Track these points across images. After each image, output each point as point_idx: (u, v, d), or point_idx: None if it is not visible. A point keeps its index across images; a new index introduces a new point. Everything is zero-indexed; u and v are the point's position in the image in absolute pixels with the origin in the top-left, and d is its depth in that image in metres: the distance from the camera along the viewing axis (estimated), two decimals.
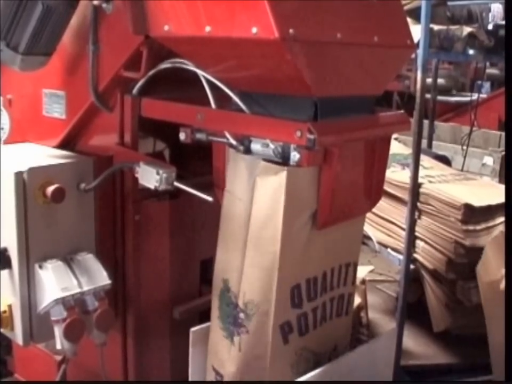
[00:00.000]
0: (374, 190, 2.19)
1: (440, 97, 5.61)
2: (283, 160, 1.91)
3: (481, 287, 2.87)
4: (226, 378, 2.18)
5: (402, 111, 2.28)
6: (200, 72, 2.02)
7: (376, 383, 2.44)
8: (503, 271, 2.26)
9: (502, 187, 3.43)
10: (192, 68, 2.03)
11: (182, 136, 2.09)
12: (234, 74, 1.97)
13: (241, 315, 2.10)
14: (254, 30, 1.73)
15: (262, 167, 1.96)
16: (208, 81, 2.03)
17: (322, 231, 2.08)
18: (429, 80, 5.01)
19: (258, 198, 2.00)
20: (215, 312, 2.21)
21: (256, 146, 1.97)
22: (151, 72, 2.13)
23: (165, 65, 2.12)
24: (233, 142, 2.01)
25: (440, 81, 6.04)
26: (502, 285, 2.20)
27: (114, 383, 2.48)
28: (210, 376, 2.25)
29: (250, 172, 2.00)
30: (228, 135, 2.02)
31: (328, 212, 2.01)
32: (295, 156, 1.86)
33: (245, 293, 2.09)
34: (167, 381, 2.51)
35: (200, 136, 2.08)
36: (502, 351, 2.35)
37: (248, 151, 1.99)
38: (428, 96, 5.03)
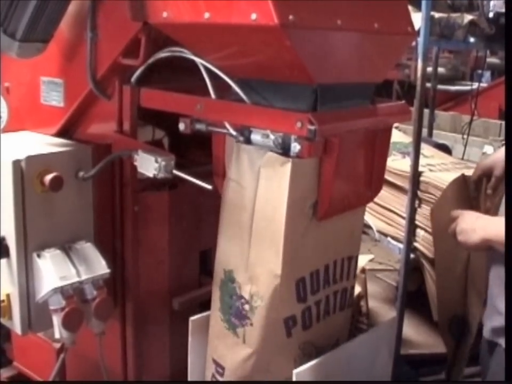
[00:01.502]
0: (375, 181, 2.18)
1: (440, 86, 5.59)
2: (283, 151, 1.90)
3: (432, 227, 2.87)
4: (228, 371, 2.17)
5: (403, 102, 2.26)
6: (199, 60, 2.01)
7: (377, 383, 2.44)
8: (457, 212, 2.33)
9: None
10: (190, 56, 2.01)
11: (181, 126, 2.08)
12: (234, 61, 1.95)
13: (246, 307, 2.09)
14: (254, 16, 1.71)
15: (266, 158, 1.95)
16: (207, 70, 2.01)
17: (323, 223, 2.07)
18: (429, 69, 4.99)
19: (262, 189, 1.99)
20: (216, 304, 2.20)
21: (256, 137, 1.96)
22: (149, 61, 2.12)
23: (163, 54, 2.10)
24: (233, 132, 2.00)
25: (441, 70, 6.03)
26: (454, 225, 2.29)
27: (114, 383, 2.47)
28: (210, 369, 2.25)
29: (254, 161, 2.00)
30: (227, 126, 2.01)
31: (328, 202, 1.99)
32: (295, 147, 1.85)
33: (250, 284, 2.08)
34: (167, 381, 2.51)
35: (199, 126, 2.06)
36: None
37: (248, 141, 1.98)
38: (428, 85, 5.01)
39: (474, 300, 2.66)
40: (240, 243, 2.09)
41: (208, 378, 2.27)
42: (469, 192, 2.91)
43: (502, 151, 2.62)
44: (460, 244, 2.31)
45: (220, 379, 2.22)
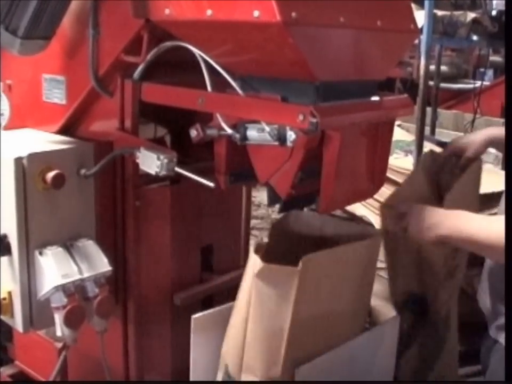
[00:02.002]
0: (377, 175, 2.17)
1: (443, 84, 5.58)
2: (279, 141, 1.90)
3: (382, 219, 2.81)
4: None
5: (405, 95, 2.26)
6: (198, 52, 2.00)
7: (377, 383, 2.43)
8: (405, 206, 2.24)
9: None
10: (191, 48, 2.01)
11: (193, 133, 2.08)
12: (236, 58, 1.95)
13: None
14: (256, 13, 1.70)
15: (261, 268, 1.97)
16: (208, 66, 2.01)
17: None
18: (432, 67, 4.99)
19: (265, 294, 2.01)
20: None
21: (252, 132, 1.96)
22: (151, 53, 2.11)
23: (165, 45, 2.09)
24: (228, 130, 2.00)
25: (443, 68, 6.02)
26: (403, 222, 2.21)
27: (115, 383, 2.47)
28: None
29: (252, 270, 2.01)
30: (223, 124, 2.01)
31: (330, 196, 1.99)
32: (291, 135, 1.86)
33: None
34: (167, 381, 2.51)
35: (211, 132, 2.06)
36: None
37: (244, 138, 1.98)
38: (431, 83, 5.01)
39: (429, 280, 2.61)
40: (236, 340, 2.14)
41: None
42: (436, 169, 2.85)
43: (477, 134, 2.59)
44: (412, 240, 2.27)
45: None
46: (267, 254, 2.04)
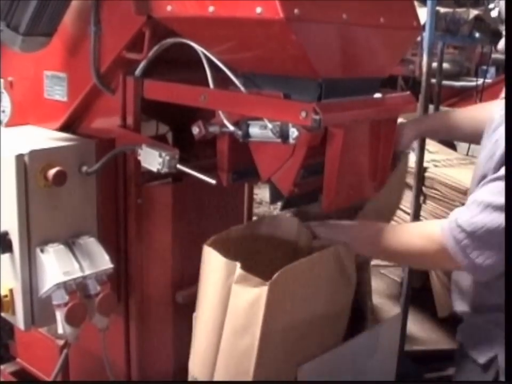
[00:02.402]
0: (380, 172, 2.17)
1: (445, 82, 5.57)
2: (282, 138, 1.89)
3: None
4: None
5: (408, 92, 2.25)
6: (200, 49, 1.99)
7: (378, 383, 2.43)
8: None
9: None
10: (193, 44, 2.00)
11: (195, 131, 2.07)
12: (238, 55, 1.94)
13: None
14: (258, 9, 1.70)
15: (239, 275, 1.95)
16: (211, 63, 2.00)
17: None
18: (434, 65, 4.98)
19: (234, 306, 1.98)
20: None
21: (254, 129, 1.96)
22: (153, 50, 2.10)
23: (167, 42, 2.09)
24: (231, 127, 1.99)
25: (445, 65, 6.00)
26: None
27: (116, 383, 2.47)
28: None
29: (227, 275, 1.99)
30: (225, 121, 2.00)
31: (333, 193, 1.98)
32: (293, 132, 1.85)
33: None
34: (167, 381, 2.51)
35: (213, 129, 2.06)
36: None
37: (246, 135, 1.98)
38: (433, 80, 4.99)
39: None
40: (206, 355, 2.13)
41: None
42: None
43: (404, 129, 2.45)
44: None
45: None
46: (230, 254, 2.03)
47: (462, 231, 1.78)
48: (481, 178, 1.97)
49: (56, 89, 2.38)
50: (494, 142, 1.98)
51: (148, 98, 2.19)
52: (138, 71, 2.18)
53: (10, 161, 2.09)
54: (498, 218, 1.74)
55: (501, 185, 1.79)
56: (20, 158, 2.09)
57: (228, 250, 2.06)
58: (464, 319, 2.24)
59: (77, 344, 2.27)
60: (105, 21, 2.16)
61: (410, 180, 3.39)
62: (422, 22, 2.23)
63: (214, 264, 2.03)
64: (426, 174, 3.48)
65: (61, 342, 2.56)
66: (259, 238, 2.29)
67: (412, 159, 3.39)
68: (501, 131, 1.95)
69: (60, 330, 2.16)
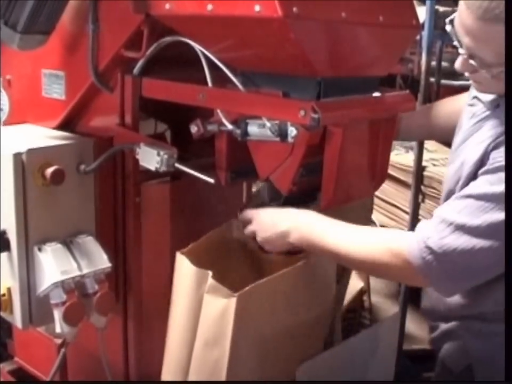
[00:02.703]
0: (379, 171, 2.16)
1: (444, 81, 5.56)
2: (281, 138, 1.89)
3: None
4: None
5: (407, 91, 2.25)
6: (198, 47, 1.99)
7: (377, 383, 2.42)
8: (250, 213, 2.13)
9: None
10: (191, 43, 2.00)
11: (193, 129, 2.07)
12: (237, 53, 1.94)
13: None
14: (257, 8, 1.69)
15: (210, 285, 1.91)
16: (209, 61, 2.00)
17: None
18: (433, 64, 4.97)
19: (205, 317, 1.95)
20: None
21: (252, 128, 1.96)
22: (151, 48, 2.10)
23: (166, 40, 2.08)
24: (229, 126, 1.99)
25: (444, 64, 6.00)
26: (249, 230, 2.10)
27: (116, 383, 2.47)
28: None
29: (198, 284, 1.96)
30: (223, 120, 2.00)
31: (332, 192, 1.98)
32: (292, 131, 1.85)
33: None
34: (167, 381, 2.50)
35: (211, 127, 2.06)
36: None
37: (245, 134, 1.98)
38: (432, 79, 4.99)
39: None
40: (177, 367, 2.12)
41: None
42: None
43: None
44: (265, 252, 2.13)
45: None
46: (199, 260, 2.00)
47: (431, 253, 1.71)
48: (449, 193, 1.93)
49: (54, 88, 2.38)
50: (460, 164, 1.91)
51: (146, 97, 2.19)
52: (136, 70, 2.17)
53: (8, 160, 2.09)
54: (470, 241, 1.67)
55: (473, 204, 1.71)
56: (17, 156, 2.09)
57: (206, 257, 2.05)
58: (434, 325, 2.19)
59: (75, 343, 2.27)
60: (103, 19, 2.15)
61: (409, 179, 3.39)
62: (421, 20, 2.23)
63: (185, 273, 1.99)
64: (425, 173, 3.47)
65: (59, 341, 2.56)
66: (236, 241, 2.25)
67: (410, 158, 3.39)
68: (468, 147, 1.90)
69: (58, 329, 2.15)
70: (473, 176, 1.79)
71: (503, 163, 1.67)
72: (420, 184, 3.30)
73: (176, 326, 2.07)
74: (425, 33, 3.05)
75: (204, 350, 1.96)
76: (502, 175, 1.66)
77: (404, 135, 2.40)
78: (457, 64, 1.79)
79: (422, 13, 3.06)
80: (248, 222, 2.10)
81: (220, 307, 1.88)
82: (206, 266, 1.97)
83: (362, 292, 3.49)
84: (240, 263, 2.24)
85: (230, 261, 2.22)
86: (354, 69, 1.99)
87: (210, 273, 1.91)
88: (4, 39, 2.14)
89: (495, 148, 1.74)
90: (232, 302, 1.85)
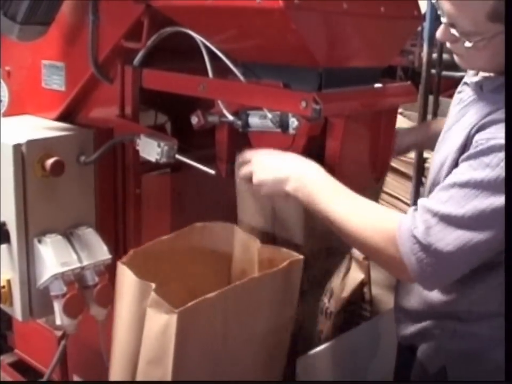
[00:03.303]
0: (380, 163, 2.15)
1: (445, 73, 5.55)
2: (282, 128, 1.88)
3: None
4: None
5: (408, 82, 2.24)
6: (199, 38, 1.98)
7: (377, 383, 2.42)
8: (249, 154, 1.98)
9: None
10: (192, 33, 1.99)
11: (194, 120, 2.06)
12: (238, 44, 1.93)
13: None
14: None
15: (152, 299, 1.80)
16: (210, 52, 1.99)
17: None
18: (434, 55, 4.96)
19: (147, 332, 1.84)
20: None
21: (254, 119, 1.95)
22: (151, 39, 2.09)
23: (166, 31, 2.07)
24: (230, 117, 1.98)
25: (445, 56, 5.99)
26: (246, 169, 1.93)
27: (115, 383, 2.47)
28: None
29: (142, 297, 1.85)
30: (224, 111, 1.99)
31: None
32: (293, 122, 1.84)
33: None
34: (167, 380, 2.50)
35: (212, 119, 2.05)
36: None
37: (246, 125, 1.97)
38: (433, 71, 4.98)
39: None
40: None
41: None
42: None
43: (403, 139, 2.35)
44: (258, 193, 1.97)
45: None
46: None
47: (417, 243, 1.67)
48: (433, 183, 1.88)
49: (54, 79, 2.37)
50: (444, 151, 1.87)
51: (146, 88, 2.18)
52: (136, 61, 2.17)
53: (7, 151, 2.08)
54: (455, 232, 1.60)
55: (458, 193, 1.62)
56: (17, 147, 2.08)
57: (152, 266, 1.97)
58: (408, 323, 2.06)
59: (75, 335, 2.26)
60: (104, 10, 2.14)
61: (410, 171, 3.38)
62: (422, 11, 2.21)
63: (128, 284, 1.89)
64: (426, 165, 3.47)
65: (59, 333, 2.54)
66: (191, 249, 2.15)
67: None
68: (453, 133, 1.82)
69: (58, 322, 2.15)
70: (456, 163, 1.74)
71: (486, 145, 1.61)
72: (420, 176, 3.30)
73: (119, 341, 1.96)
74: (426, 24, 3.04)
75: (147, 369, 1.86)
76: (485, 159, 1.59)
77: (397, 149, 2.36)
78: (438, 33, 1.76)
79: (424, 3, 3.05)
80: (246, 162, 1.96)
81: (161, 323, 1.77)
82: (155, 276, 1.89)
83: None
84: (208, 269, 2.15)
85: (196, 268, 2.13)
86: (355, 59, 1.98)
87: (153, 285, 1.79)
88: (3, 30, 2.13)
89: (478, 130, 1.67)
90: (173, 319, 1.74)
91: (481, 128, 1.67)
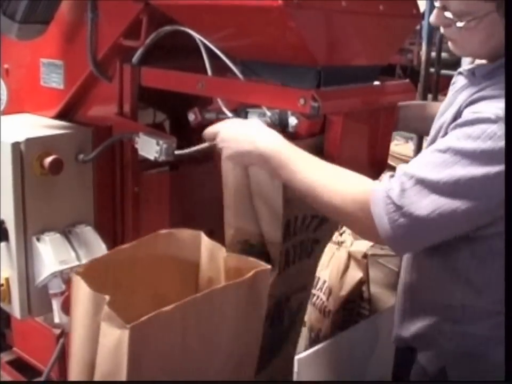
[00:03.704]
0: (379, 160, 2.16)
1: (443, 71, 5.56)
2: (281, 126, 1.88)
3: None
4: None
5: (407, 80, 2.24)
6: (198, 37, 1.98)
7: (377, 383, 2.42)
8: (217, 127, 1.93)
9: None
10: (191, 32, 1.99)
11: (191, 117, 2.06)
12: (237, 42, 1.93)
13: None
14: None
15: (105, 312, 1.69)
16: (208, 50, 1.99)
17: None
18: (433, 54, 4.97)
19: (101, 346, 1.73)
20: None
21: (253, 117, 1.95)
22: (150, 37, 2.09)
23: (164, 29, 2.07)
24: (229, 114, 1.97)
25: (444, 55, 6.01)
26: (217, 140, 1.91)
27: (116, 383, 2.46)
28: None
29: (96, 309, 1.73)
30: (223, 108, 1.99)
31: None
32: (293, 121, 1.84)
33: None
34: (168, 381, 2.50)
35: (209, 116, 2.05)
36: None
37: None
38: (432, 69, 4.99)
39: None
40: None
41: None
42: None
43: None
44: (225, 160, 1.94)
45: None
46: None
47: (392, 203, 1.64)
48: None
49: (52, 77, 2.37)
50: (435, 131, 1.87)
51: (145, 86, 2.18)
52: (135, 59, 2.17)
53: (6, 149, 2.08)
54: (429, 197, 1.59)
55: (438, 158, 1.61)
56: (15, 146, 2.08)
57: (112, 276, 1.89)
58: (407, 318, 2.04)
59: None
60: (102, 8, 2.14)
61: None
62: (421, 10, 2.22)
63: (82, 297, 1.78)
64: None
65: (58, 331, 2.55)
66: (156, 257, 2.04)
67: (410, 148, 3.39)
68: (444, 116, 1.81)
69: (57, 320, 2.15)
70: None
71: (471, 117, 1.60)
72: None
73: (75, 354, 1.85)
74: (425, 23, 3.04)
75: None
76: (468, 129, 1.59)
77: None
78: (432, 18, 1.77)
79: (422, 2, 3.05)
80: (212, 137, 1.95)
81: (114, 338, 1.67)
82: (127, 284, 1.86)
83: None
84: (175, 278, 2.06)
85: (163, 277, 2.04)
86: (354, 58, 1.98)
87: (107, 297, 1.67)
88: (3, 29, 2.13)
89: (467, 105, 1.68)
90: (125, 334, 1.64)
91: (470, 103, 1.68)
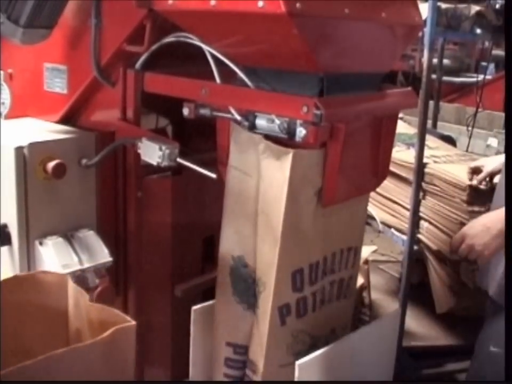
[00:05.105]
0: (381, 168, 2.16)
1: (445, 78, 5.57)
2: (289, 136, 1.87)
3: None
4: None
5: (409, 88, 2.25)
6: (204, 46, 1.99)
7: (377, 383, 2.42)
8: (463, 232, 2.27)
9: None
10: (196, 42, 2.00)
11: (185, 111, 2.07)
12: (240, 49, 1.93)
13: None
14: (260, 3, 1.69)
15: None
16: (213, 56, 2.00)
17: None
18: (435, 61, 4.97)
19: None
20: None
21: (261, 122, 1.94)
22: (154, 46, 2.10)
23: (169, 39, 2.08)
24: (238, 117, 1.98)
25: (446, 62, 6.02)
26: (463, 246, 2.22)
27: (116, 383, 2.46)
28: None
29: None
30: (232, 110, 1.99)
31: (334, 188, 1.97)
32: (301, 131, 1.83)
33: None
34: (167, 380, 2.51)
35: (204, 111, 2.05)
36: None
37: (253, 126, 1.96)
38: (434, 76, 4.99)
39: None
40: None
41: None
42: None
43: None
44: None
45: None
46: None
47: None
48: None
49: (56, 82, 2.38)
50: None
51: (148, 92, 2.18)
52: (138, 64, 2.18)
53: (9, 154, 2.09)
54: None
55: None
56: (19, 150, 2.09)
57: None
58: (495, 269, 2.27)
59: None
60: (106, 14, 2.15)
61: (410, 176, 3.38)
62: (423, 17, 2.22)
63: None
64: (426, 170, 3.46)
65: None
66: (19, 305, 1.82)
67: (411, 154, 3.39)
68: None
69: None
70: None
71: None
72: (420, 181, 3.29)
73: None
74: (427, 30, 3.03)
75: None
76: None
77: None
78: None
79: (425, 9, 3.05)
80: (459, 243, 2.20)
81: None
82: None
83: (362, 288, 3.49)
84: (44, 328, 1.86)
85: (30, 327, 1.84)
86: (357, 65, 1.99)
87: None
88: (7, 33, 2.13)
89: None
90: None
91: None
